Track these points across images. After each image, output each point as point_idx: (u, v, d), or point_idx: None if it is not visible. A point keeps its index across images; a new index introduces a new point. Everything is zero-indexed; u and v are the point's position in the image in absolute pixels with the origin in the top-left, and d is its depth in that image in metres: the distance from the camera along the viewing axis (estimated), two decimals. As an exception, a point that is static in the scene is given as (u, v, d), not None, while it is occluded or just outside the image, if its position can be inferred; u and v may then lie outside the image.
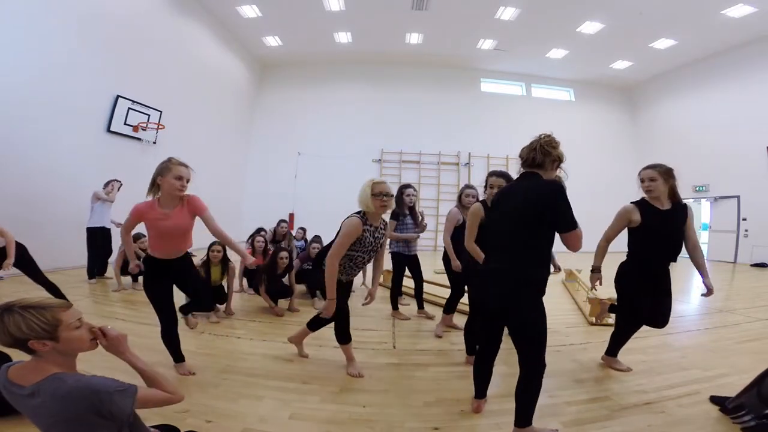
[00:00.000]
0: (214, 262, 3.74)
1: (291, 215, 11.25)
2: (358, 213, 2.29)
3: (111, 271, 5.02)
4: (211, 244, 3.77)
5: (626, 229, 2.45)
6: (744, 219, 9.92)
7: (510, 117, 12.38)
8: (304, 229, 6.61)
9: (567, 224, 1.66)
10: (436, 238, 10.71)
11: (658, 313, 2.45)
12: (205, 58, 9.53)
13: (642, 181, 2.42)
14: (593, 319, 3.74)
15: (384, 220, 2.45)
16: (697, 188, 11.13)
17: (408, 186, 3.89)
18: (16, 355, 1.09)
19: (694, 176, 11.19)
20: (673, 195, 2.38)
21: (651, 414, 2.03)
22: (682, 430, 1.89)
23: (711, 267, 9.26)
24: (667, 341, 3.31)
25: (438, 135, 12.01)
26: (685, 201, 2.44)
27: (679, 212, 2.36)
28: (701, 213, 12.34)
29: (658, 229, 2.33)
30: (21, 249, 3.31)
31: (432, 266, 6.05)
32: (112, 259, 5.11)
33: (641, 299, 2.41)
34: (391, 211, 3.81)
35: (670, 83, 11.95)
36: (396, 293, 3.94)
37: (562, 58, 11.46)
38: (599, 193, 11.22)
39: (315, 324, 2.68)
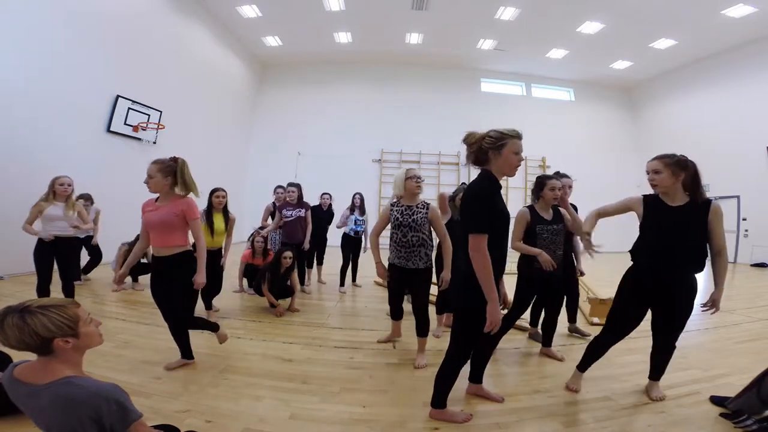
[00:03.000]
0: (217, 208, 3.66)
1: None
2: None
3: (110, 271, 5.02)
4: (215, 189, 3.69)
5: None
6: (744, 219, 9.91)
7: (510, 117, 12.34)
8: None
9: (468, 225, 1.68)
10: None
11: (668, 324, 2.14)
12: (205, 58, 9.53)
13: (647, 173, 2.13)
14: (594, 319, 3.74)
15: (425, 203, 2.73)
16: (697, 188, 11.12)
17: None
18: (16, 355, 1.09)
19: (694, 176, 11.20)
20: (689, 189, 2.03)
21: (651, 414, 2.03)
22: (682, 430, 1.89)
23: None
24: (667, 341, 3.31)
25: (438, 135, 12.00)
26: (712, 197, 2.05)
27: (697, 210, 2.00)
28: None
29: (663, 228, 2.02)
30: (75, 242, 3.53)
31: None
32: (108, 259, 5.12)
33: (632, 310, 2.15)
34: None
35: (670, 83, 11.95)
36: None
37: (562, 58, 11.45)
38: (599, 194, 11.16)
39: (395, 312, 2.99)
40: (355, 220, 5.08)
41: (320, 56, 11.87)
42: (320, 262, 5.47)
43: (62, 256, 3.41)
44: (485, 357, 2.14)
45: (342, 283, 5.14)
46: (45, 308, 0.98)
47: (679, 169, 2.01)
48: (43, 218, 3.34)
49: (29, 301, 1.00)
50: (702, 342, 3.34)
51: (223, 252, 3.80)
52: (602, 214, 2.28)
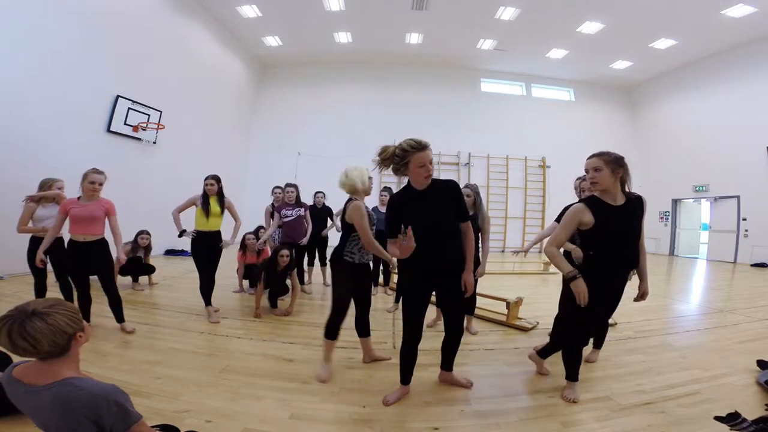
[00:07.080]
0: (209, 194, 3.63)
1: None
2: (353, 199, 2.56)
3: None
4: (206, 177, 3.67)
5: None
6: (744, 219, 9.92)
7: (510, 117, 12.38)
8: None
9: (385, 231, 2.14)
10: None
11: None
12: (205, 58, 9.53)
13: (586, 172, 2.09)
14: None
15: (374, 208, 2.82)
16: (697, 188, 11.13)
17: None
18: (15, 356, 1.08)
19: (694, 176, 11.21)
20: (624, 187, 2.07)
21: (651, 414, 2.03)
22: (682, 430, 1.89)
23: (711, 267, 9.28)
24: (667, 341, 3.31)
25: (438, 135, 11.96)
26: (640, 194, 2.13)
27: (634, 207, 2.06)
28: (701, 213, 12.35)
29: (613, 229, 2.00)
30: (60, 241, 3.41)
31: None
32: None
33: (593, 312, 2.09)
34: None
35: (670, 83, 11.95)
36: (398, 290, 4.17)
37: (562, 58, 11.44)
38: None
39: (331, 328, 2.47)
40: None
41: (320, 56, 11.87)
42: (323, 263, 5.37)
43: (53, 257, 3.40)
44: (455, 346, 2.26)
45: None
46: (52, 308, 0.98)
47: (618, 167, 2.01)
48: (34, 220, 3.39)
49: (25, 304, 0.97)
50: (702, 342, 3.34)
51: (232, 233, 3.81)
52: (560, 244, 2.06)
